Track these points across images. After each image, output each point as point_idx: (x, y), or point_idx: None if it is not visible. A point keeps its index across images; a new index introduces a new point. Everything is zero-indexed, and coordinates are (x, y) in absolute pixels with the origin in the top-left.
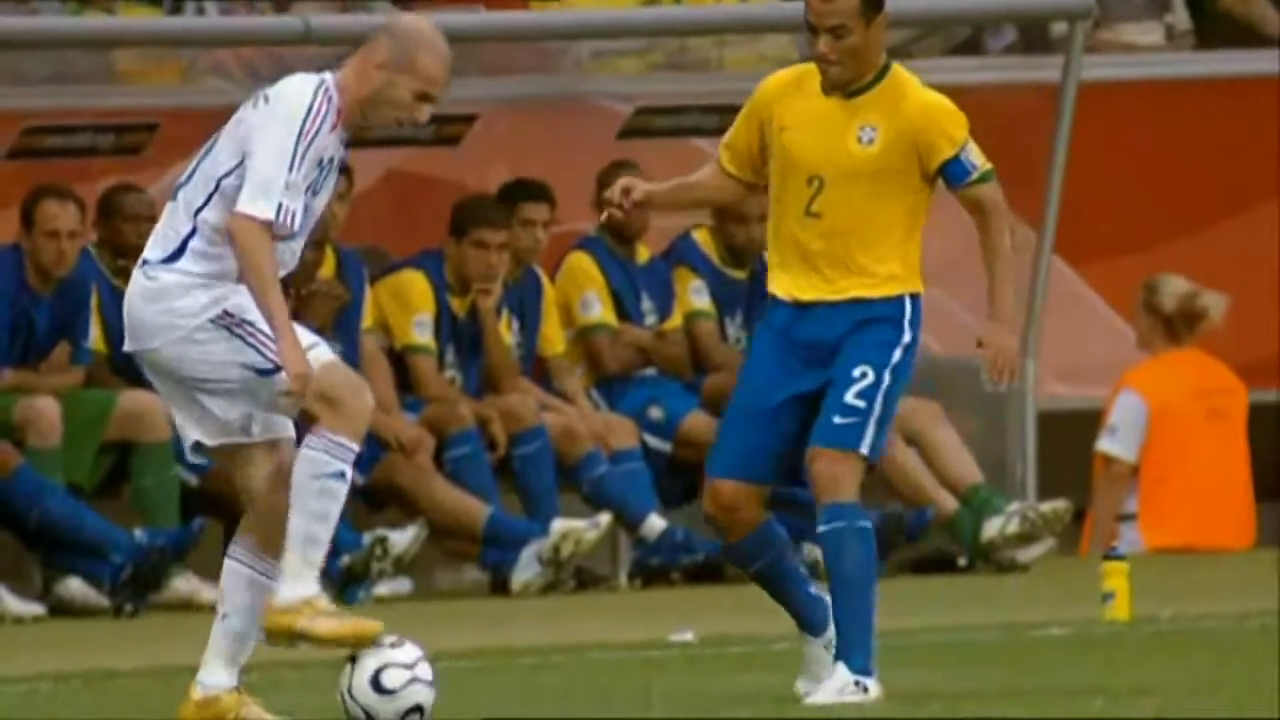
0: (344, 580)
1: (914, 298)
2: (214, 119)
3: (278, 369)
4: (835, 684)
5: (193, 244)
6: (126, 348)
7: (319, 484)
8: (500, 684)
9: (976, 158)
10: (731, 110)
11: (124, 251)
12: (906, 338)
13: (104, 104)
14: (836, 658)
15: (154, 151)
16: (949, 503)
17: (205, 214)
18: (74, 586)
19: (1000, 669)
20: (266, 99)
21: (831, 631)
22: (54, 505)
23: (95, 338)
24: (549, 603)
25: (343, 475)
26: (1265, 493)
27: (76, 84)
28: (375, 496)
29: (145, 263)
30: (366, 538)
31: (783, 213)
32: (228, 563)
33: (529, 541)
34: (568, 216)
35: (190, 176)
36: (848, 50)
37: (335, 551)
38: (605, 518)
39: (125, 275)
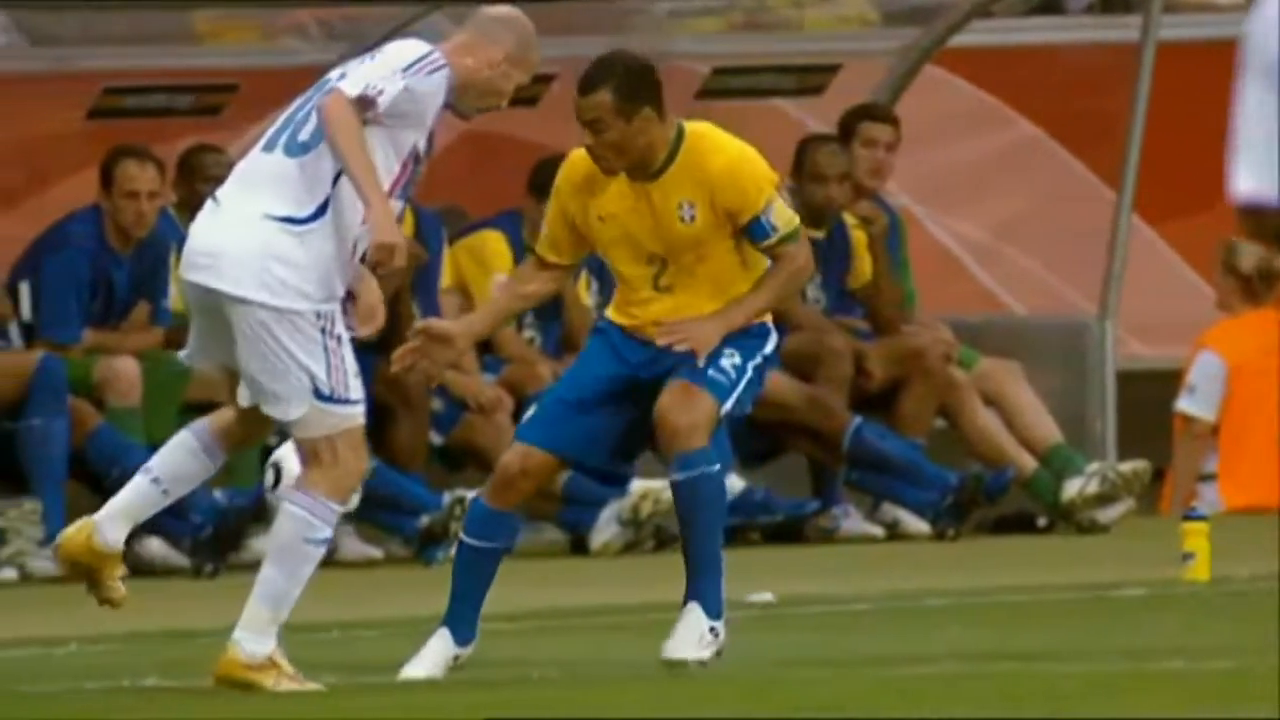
0: (423, 540)
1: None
2: (292, 79)
3: (333, 399)
4: (692, 633)
5: (332, 208)
6: (206, 281)
7: (307, 548)
8: (576, 644)
9: (778, 219)
10: (809, 71)
11: None
12: (769, 347)
13: (183, 64)
14: (690, 599)
15: (233, 112)
16: (1029, 463)
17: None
18: (154, 546)
19: (1079, 628)
20: (383, 51)
21: (465, 650)
22: (134, 464)
23: (174, 298)
24: (628, 563)
25: (326, 541)
26: None
27: (155, 44)
28: (454, 457)
29: (291, 220)
30: (446, 498)
31: (631, 287)
32: (182, 434)
33: (608, 501)
34: None
35: (294, 133)
36: (609, 145)
37: (414, 512)
38: None
39: None
